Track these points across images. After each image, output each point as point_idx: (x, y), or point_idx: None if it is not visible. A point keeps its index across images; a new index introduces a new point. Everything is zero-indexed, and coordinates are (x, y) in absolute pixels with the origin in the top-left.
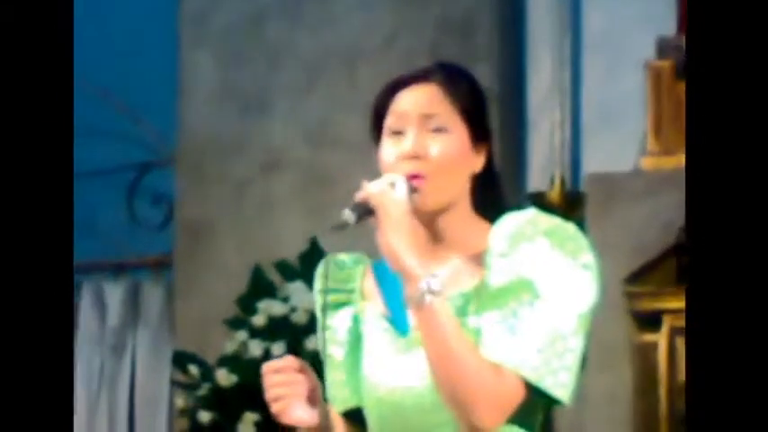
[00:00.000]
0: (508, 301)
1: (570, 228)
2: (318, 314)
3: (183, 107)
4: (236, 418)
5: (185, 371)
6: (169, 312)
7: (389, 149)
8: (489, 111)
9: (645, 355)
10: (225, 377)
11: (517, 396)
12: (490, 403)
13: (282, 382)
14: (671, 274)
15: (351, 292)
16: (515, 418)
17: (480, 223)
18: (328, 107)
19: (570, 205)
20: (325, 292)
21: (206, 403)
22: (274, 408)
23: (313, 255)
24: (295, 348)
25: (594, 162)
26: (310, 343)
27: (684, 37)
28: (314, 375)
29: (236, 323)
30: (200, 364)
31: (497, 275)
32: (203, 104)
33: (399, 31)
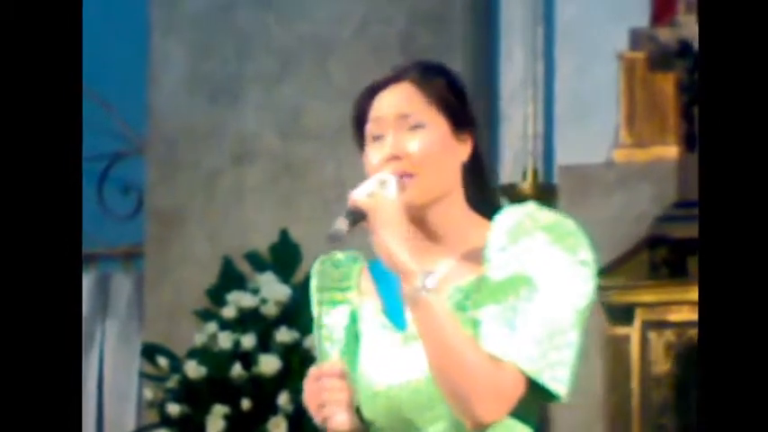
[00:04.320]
0: (507, 295)
1: (570, 223)
2: (315, 312)
3: (153, 96)
4: (205, 410)
5: (154, 363)
6: (138, 303)
7: (373, 154)
8: (469, 99)
9: (617, 348)
10: (194, 369)
11: (517, 389)
12: (490, 397)
13: (331, 387)
14: (643, 267)
15: (347, 290)
16: (514, 412)
17: (474, 217)
18: (299, 97)
19: (542, 197)
20: (322, 290)
21: (175, 395)
22: (323, 413)
23: (284, 246)
24: (265, 341)
25: (567, 154)
26: (280, 335)
27: (657, 29)
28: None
29: (205, 315)
30: (170, 355)
31: (497, 270)
32: (173, 94)
33: (370, 22)
